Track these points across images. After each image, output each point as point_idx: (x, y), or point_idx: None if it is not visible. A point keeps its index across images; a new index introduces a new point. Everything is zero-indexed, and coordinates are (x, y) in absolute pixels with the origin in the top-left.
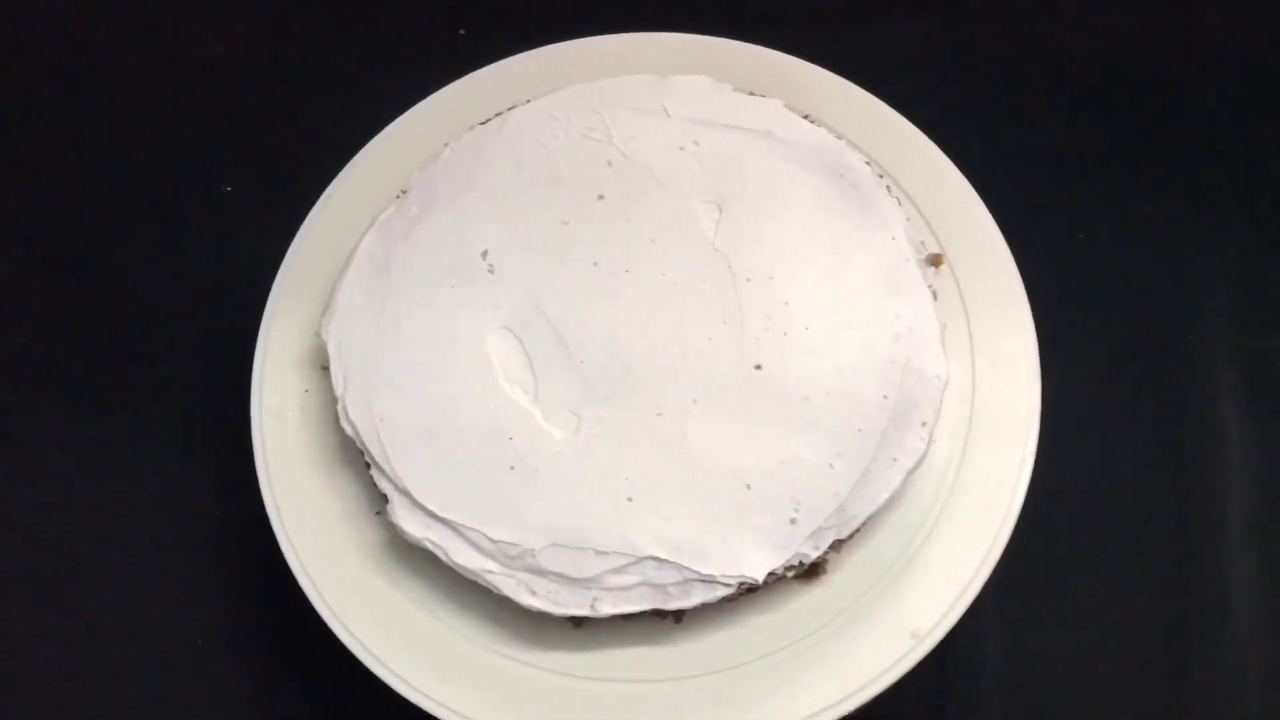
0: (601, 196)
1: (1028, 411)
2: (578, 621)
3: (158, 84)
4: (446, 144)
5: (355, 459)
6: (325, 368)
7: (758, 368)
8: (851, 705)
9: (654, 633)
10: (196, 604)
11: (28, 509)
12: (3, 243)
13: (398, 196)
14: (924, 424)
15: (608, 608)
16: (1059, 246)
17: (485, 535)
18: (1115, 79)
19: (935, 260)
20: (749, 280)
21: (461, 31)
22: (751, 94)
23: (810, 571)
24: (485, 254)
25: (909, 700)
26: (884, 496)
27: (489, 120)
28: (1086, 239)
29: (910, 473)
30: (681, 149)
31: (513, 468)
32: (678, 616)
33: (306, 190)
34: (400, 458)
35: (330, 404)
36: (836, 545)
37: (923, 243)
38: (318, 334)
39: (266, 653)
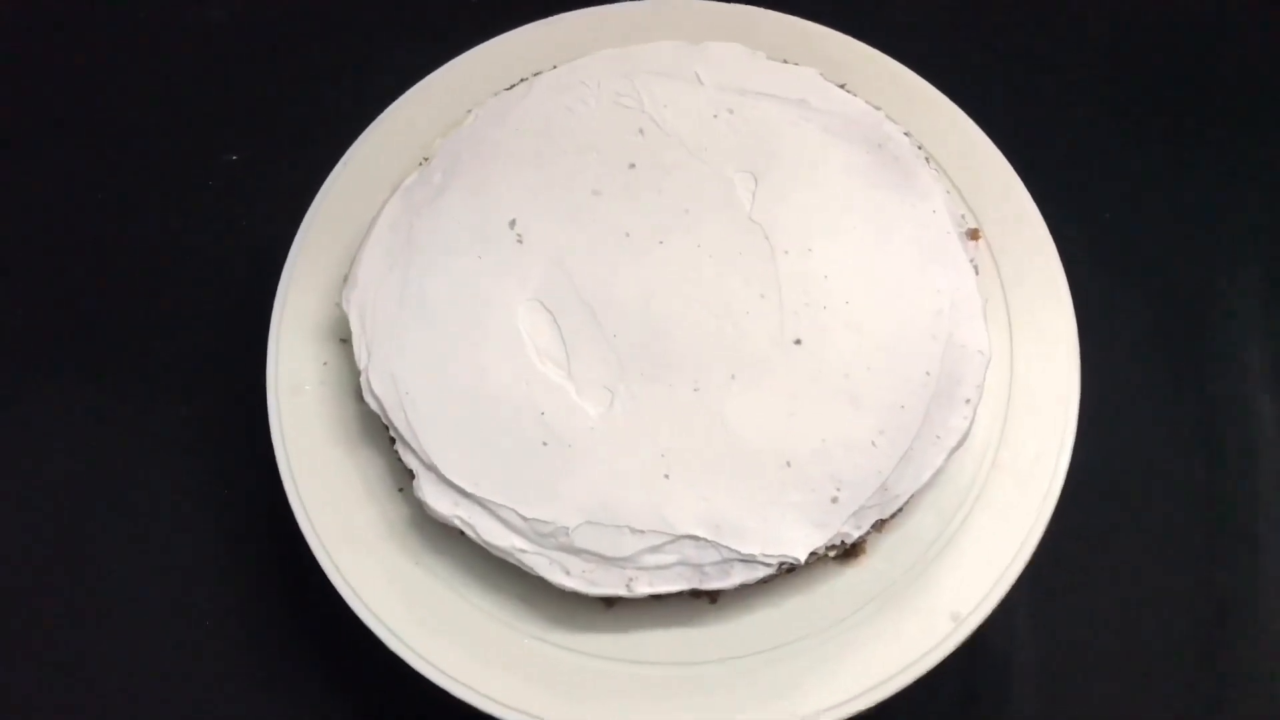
0: (633, 165)
1: (1067, 389)
2: (609, 602)
3: (158, 50)
4: (470, 110)
5: (376, 434)
6: (344, 340)
7: (797, 342)
8: (891, 689)
9: (688, 614)
10: (214, 586)
11: (39, 490)
12: (4, 218)
13: (420, 164)
14: (967, 401)
15: (644, 587)
16: (1093, 223)
17: (517, 513)
18: (1150, 53)
19: (973, 235)
20: (787, 253)
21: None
22: (785, 62)
23: (849, 552)
24: (513, 223)
25: (940, 684)
26: (927, 475)
27: (514, 86)
28: (1118, 215)
29: (953, 451)
30: (715, 117)
31: (545, 444)
32: (713, 597)
33: (314, 161)
34: (427, 432)
35: (350, 378)
36: (878, 525)
37: (962, 216)
38: (338, 305)
39: (286, 635)
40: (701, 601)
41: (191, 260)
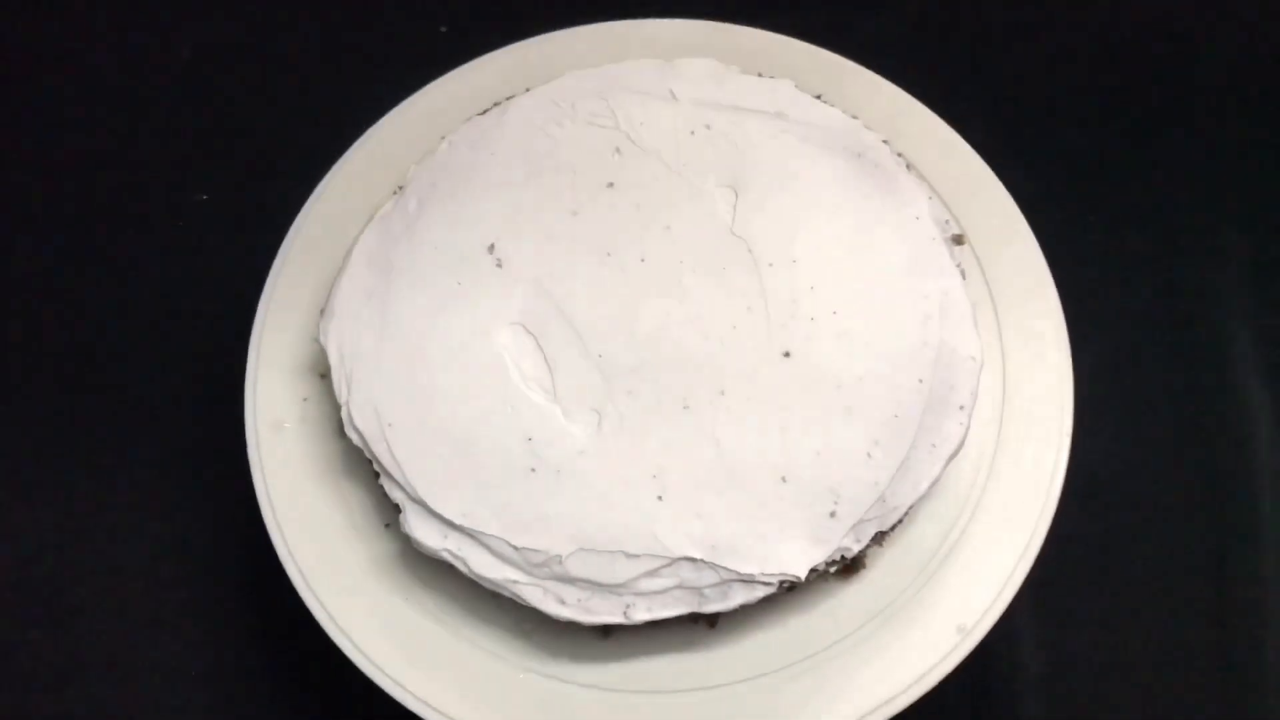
0: (611, 184)
1: (1061, 393)
2: (606, 630)
3: (126, 90)
4: (444, 137)
5: (360, 469)
6: (323, 375)
7: (786, 355)
8: (898, 707)
9: (687, 639)
10: (198, 630)
11: (12, 542)
12: None
13: (394, 193)
14: (961, 408)
15: (642, 614)
16: (1075, 228)
17: (508, 543)
18: (1124, 59)
19: (957, 240)
20: (771, 265)
21: (443, 29)
22: (760, 76)
23: (849, 567)
24: (492, 247)
25: (947, 699)
26: (925, 484)
27: (487, 111)
28: (1102, 214)
29: (950, 459)
30: (692, 133)
31: (533, 470)
32: (712, 621)
33: (287, 197)
34: (412, 464)
35: (331, 412)
36: (878, 538)
37: (946, 221)
38: (315, 339)
39: (274, 680)
40: (700, 626)
41: (165, 300)
